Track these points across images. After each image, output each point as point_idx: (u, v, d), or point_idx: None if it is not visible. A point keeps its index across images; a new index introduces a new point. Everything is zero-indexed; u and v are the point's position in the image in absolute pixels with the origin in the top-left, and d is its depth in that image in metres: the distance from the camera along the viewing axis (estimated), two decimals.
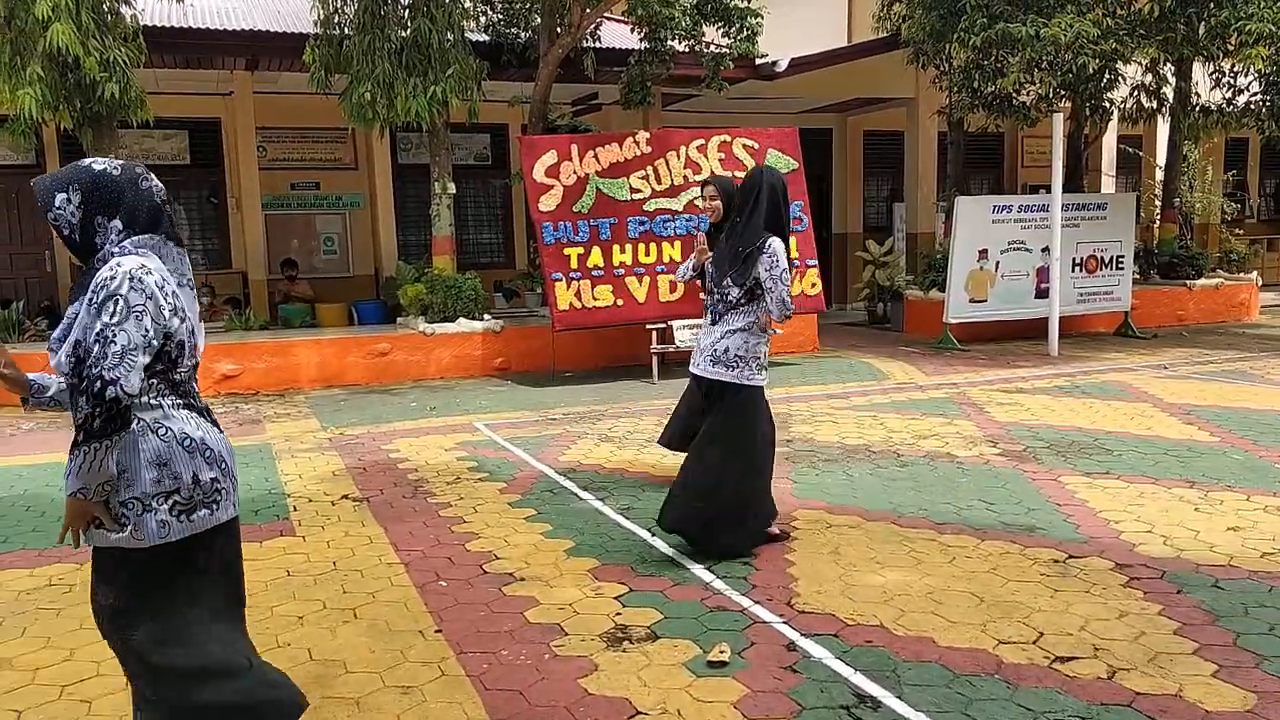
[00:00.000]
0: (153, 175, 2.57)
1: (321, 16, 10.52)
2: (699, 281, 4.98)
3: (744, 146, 10.83)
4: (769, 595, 4.05)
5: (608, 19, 12.69)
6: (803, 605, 3.94)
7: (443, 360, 10.53)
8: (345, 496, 5.86)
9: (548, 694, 3.27)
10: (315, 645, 3.73)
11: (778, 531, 4.77)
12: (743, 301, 4.59)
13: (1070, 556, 4.44)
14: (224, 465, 2.61)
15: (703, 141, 10.76)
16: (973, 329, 11.97)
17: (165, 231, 2.51)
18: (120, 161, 2.51)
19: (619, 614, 3.90)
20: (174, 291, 2.45)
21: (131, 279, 2.33)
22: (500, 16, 12.40)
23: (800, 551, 4.59)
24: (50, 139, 12.53)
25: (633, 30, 12.39)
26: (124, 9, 9.32)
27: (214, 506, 2.54)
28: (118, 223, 2.45)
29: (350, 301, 12.55)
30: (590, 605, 4.00)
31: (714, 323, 4.70)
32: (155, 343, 2.39)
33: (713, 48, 12.46)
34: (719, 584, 4.20)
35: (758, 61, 13.04)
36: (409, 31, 10.26)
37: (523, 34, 12.31)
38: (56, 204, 2.43)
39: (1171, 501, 5.25)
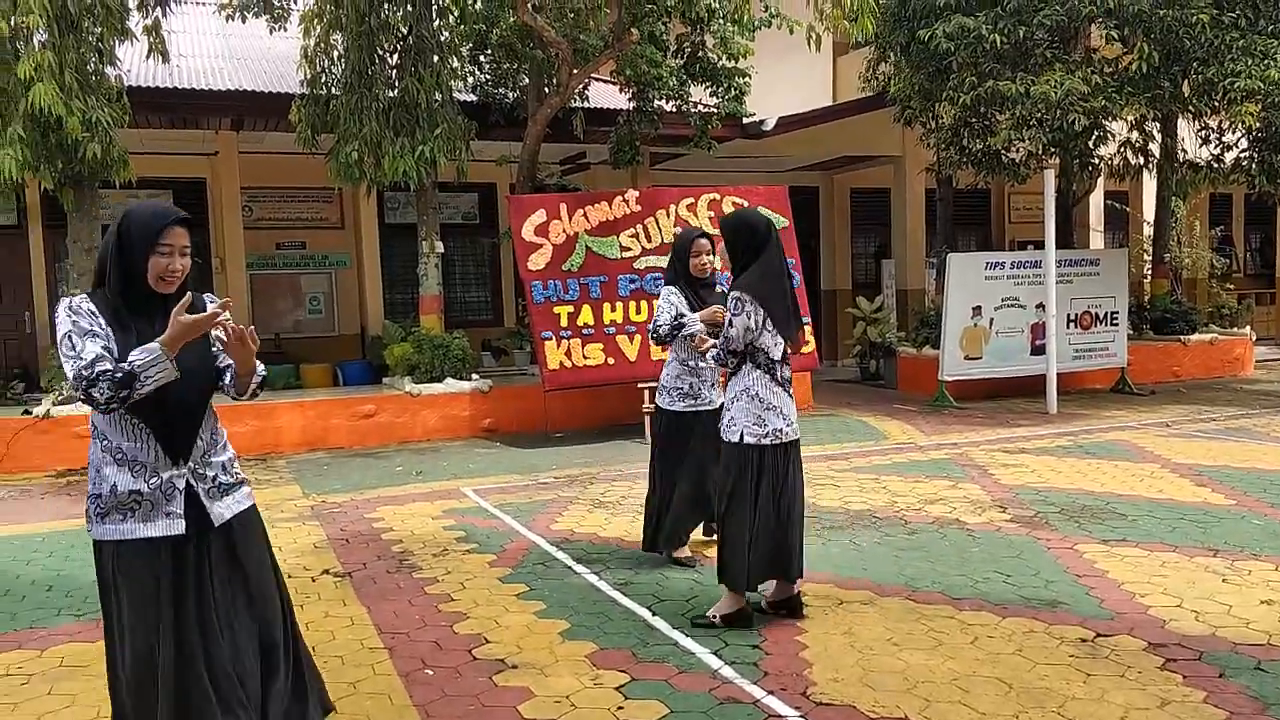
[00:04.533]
0: None
1: (308, 76, 10.44)
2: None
3: (733, 205, 10.71)
4: (782, 684, 3.78)
5: (596, 79, 12.68)
6: (820, 695, 3.66)
7: (429, 422, 10.26)
8: (326, 572, 5.57)
9: None
10: None
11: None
12: None
13: (1099, 635, 4.19)
14: None
15: (692, 200, 10.66)
16: (968, 386, 11.81)
17: None
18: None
19: (621, 708, 3.61)
20: None
21: None
22: (488, 77, 12.37)
23: (813, 631, 4.33)
24: (33, 200, 12.34)
25: (621, 90, 12.37)
26: (109, 69, 9.19)
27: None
28: None
29: (335, 362, 12.31)
30: (589, 697, 3.71)
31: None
32: None
33: (700, 107, 12.44)
34: (727, 670, 3.92)
35: (745, 121, 13.04)
36: (396, 91, 10.18)
37: (510, 94, 12.27)
38: None
39: (1197, 572, 5.01)
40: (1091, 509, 6.43)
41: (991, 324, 11.69)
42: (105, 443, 2.83)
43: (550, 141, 12.17)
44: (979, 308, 11.62)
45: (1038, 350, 11.61)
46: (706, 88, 12.43)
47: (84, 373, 2.65)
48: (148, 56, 9.71)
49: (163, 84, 10.89)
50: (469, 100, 11.88)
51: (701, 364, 5.35)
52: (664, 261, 10.35)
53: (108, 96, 8.95)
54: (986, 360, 11.73)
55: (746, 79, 12.41)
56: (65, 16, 8.26)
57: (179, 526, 2.82)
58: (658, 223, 10.46)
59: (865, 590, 4.89)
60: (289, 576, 5.40)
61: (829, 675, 3.85)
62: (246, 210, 13.17)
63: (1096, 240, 16.51)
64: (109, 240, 2.85)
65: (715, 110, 12.48)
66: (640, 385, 9.91)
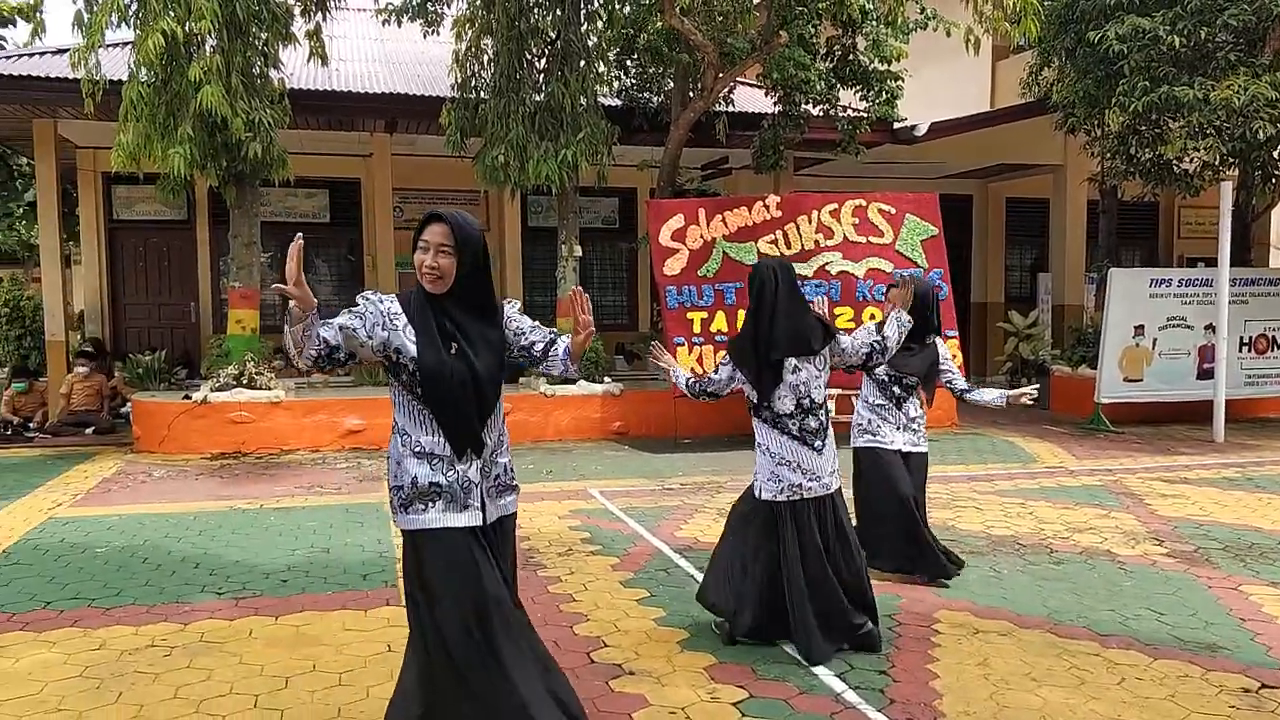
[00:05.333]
0: None
1: (459, 80, 10.70)
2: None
3: (880, 211, 10.40)
4: (909, 713, 3.57)
5: (741, 83, 12.56)
6: None
7: (561, 422, 10.35)
8: None
9: None
10: None
11: None
12: None
13: (1264, 686, 3.81)
14: None
15: (835, 206, 10.38)
16: (1126, 409, 11.11)
17: None
18: None
19: None
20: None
21: None
22: (633, 81, 12.42)
23: (944, 661, 4.09)
24: (201, 196, 13.11)
25: (766, 94, 12.22)
26: (272, 72, 9.65)
27: None
28: None
29: None
30: (706, 712, 3.60)
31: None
32: None
33: (849, 111, 12.16)
34: (851, 695, 3.74)
35: (896, 126, 12.67)
36: (543, 95, 10.31)
37: (655, 98, 12.28)
38: None
39: None
40: (1260, 547, 5.89)
41: (1155, 345, 10.96)
42: (405, 438, 2.94)
43: (692, 146, 12.12)
44: (1141, 327, 10.92)
45: (1205, 374, 10.83)
46: (856, 91, 12.13)
47: None
48: (308, 60, 10.15)
49: (321, 87, 11.37)
50: (613, 104, 11.95)
51: (880, 400, 5.28)
52: (803, 269, 10.19)
53: (270, 98, 9.40)
54: (1147, 382, 11.01)
55: (899, 83, 12.05)
56: (234, 22, 8.71)
57: (478, 518, 2.93)
58: (798, 229, 10.25)
59: (1004, 620, 4.61)
60: None
61: (960, 708, 3.62)
62: (397, 211, 13.61)
63: (1277, 259, 15.32)
64: None
65: (865, 115, 12.17)
66: None
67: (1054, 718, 3.54)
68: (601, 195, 14.29)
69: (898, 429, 5.25)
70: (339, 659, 4.14)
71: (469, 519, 2.91)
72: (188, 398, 9.55)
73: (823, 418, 4.28)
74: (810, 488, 4.19)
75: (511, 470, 3.10)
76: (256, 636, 4.43)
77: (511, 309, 3.12)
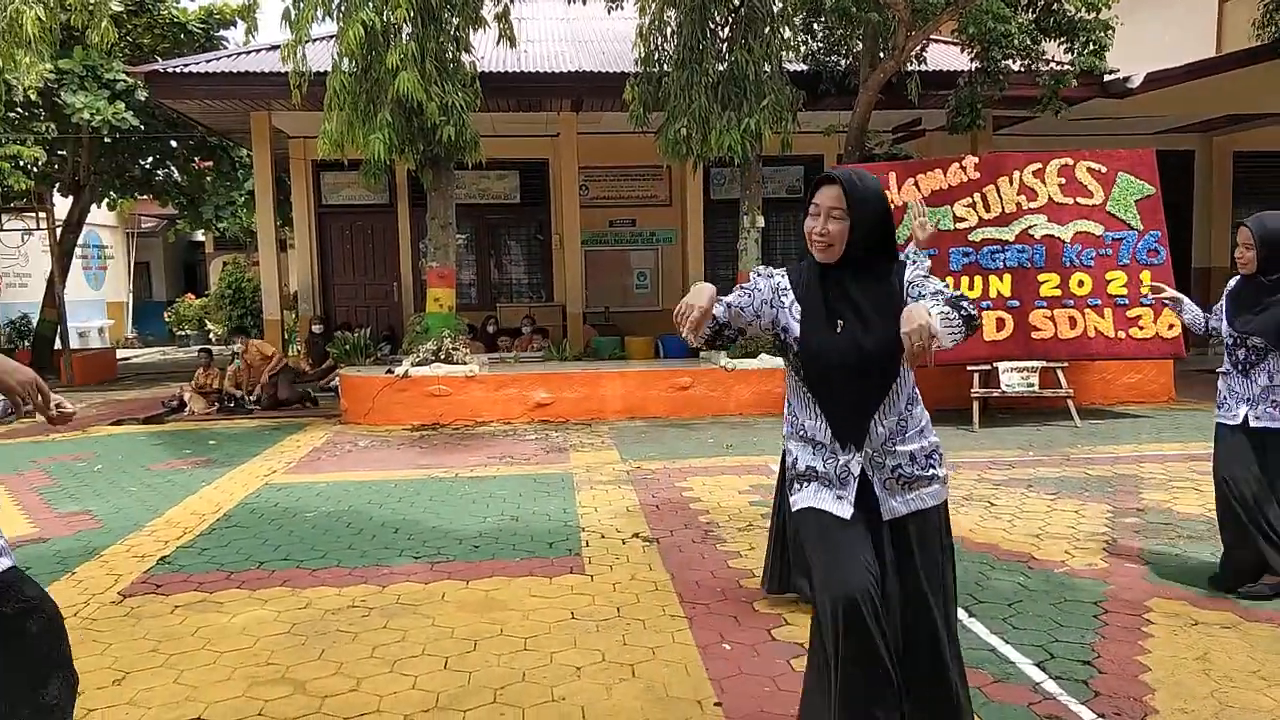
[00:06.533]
0: None
1: (642, 54, 10.70)
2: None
3: (1089, 170, 9.68)
4: (1116, 708, 3.29)
5: (934, 40, 11.99)
6: None
7: (742, 397, 10.25)
8: (636, 535, 5.67)
9: None
10: (589, 703, 3.48)
11: None
12: None
13: None
14: None
15: (1039, 166, 9.73)
16: None
17: None
18: None
19: None
20: None
21: None
22: (820, 45, 12.07)
23: (1158, 653, 3.75)
24: (400, 180, 13.76)
25: (962, 50, 11.60)
26: (464, 56, 9.96)
27: None
28: None
29: (657, 335, 12.65)
30: None
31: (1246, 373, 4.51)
32: None
33: (1052, 65, 11.37)
34: (1051, 685, 3.49)
35: (1106, 78, 11.76)
36: (726, 64, 10.18)
37: (842, 61, 11.90)
38: None
39: None
40: None
41: None
42: (793, 418, 2.79)
43: (882, 108, 11.70)
44: None
45: None
46: (1060, 43, 11.33)
47: None
48: (498, 43, 10.41)
49: (511, 69, 11.65)
50: (798, 70, 11.67)
51: (1221, 368, 4.66)
52: (1003, 233, 9.63)
53: (462, 82, 9.71)
54: None
55: (1109, 32, 11.17)
56: (428, 9, 9.04)
57: (845, 511, 2.64)
58: (998, 191, 9.67)
59: (1226, 612, 4.19)
60: (601, 537, 5.59)
61: (1175, 705, 3.31)
62: (583, 189, 13.83)
63: None
64: None
65: (1070, 68, 11.36)
66: (970, 368, 9.28)
67: None
68: (786, 163, 14.04)
69: (1244, 401, 4.53)
70: (525, 624, 4.23)
71: (836, 508, 2.64)
72: (390, 372, 10.07)
73: None
74: None
75: (927, 458, 2.67)
76: (448, 600, 4.59)
77: (915, 270, 2.71)
